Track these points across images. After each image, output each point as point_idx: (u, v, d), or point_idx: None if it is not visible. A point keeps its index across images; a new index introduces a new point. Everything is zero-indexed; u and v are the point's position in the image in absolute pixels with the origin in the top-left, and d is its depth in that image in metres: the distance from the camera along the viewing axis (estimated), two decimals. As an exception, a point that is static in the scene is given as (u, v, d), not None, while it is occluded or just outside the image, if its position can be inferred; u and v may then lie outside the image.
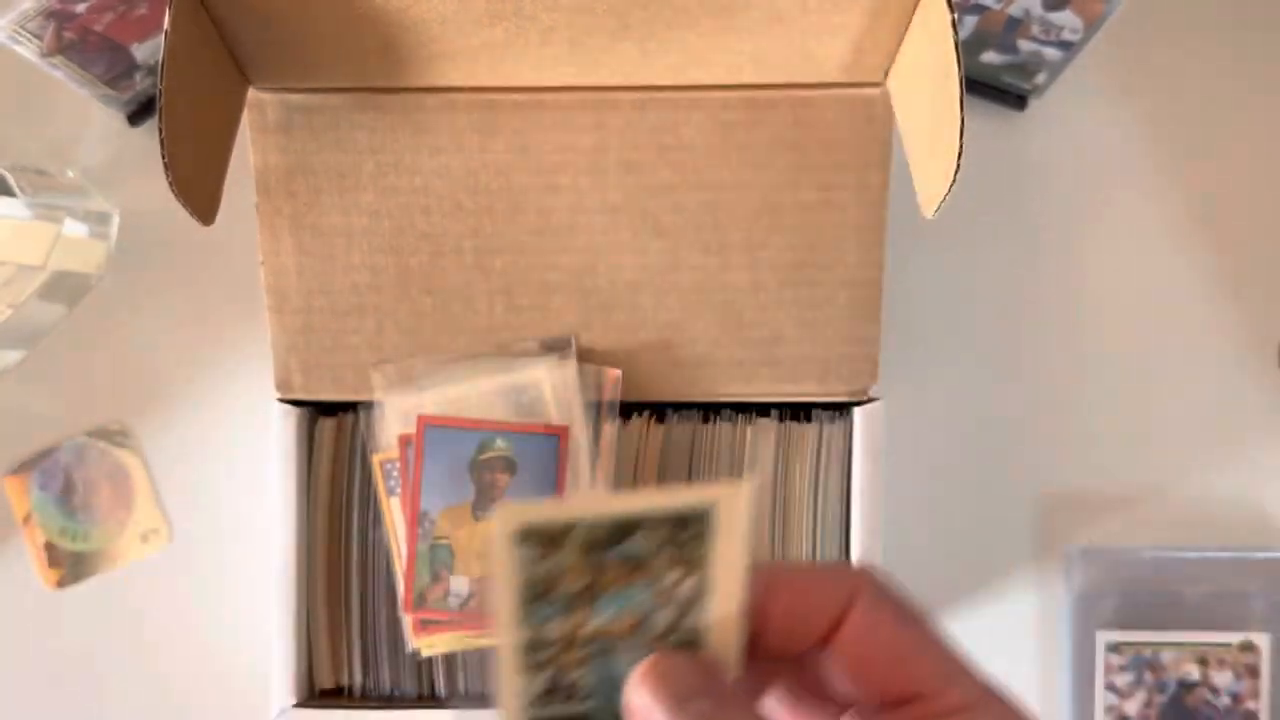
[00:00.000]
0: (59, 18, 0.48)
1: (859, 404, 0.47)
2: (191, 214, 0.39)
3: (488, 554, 0.27)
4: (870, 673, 0.26)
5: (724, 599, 0.27)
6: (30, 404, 0.57)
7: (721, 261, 0.47)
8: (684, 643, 0.27)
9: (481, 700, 0.48)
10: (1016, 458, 0.57)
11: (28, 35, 0.48)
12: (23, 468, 0.57)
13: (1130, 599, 0.56)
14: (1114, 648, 0.56)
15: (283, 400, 0.47)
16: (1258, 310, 0.58)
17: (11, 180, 0.52)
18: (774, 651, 0.27)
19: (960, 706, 0.25)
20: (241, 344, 0.56)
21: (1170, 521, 0.57)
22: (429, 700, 0.48)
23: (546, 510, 0.26)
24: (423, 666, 0.48)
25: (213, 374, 0.57)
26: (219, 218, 0.42)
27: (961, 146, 0.37)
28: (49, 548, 0.57)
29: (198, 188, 0.40)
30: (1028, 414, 0.57)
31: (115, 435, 0.57)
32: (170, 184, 0.37)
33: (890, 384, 0.48)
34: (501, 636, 0.26)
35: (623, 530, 0.26)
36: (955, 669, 0.26)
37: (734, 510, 0.26)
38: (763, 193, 0.47)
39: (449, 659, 0.48)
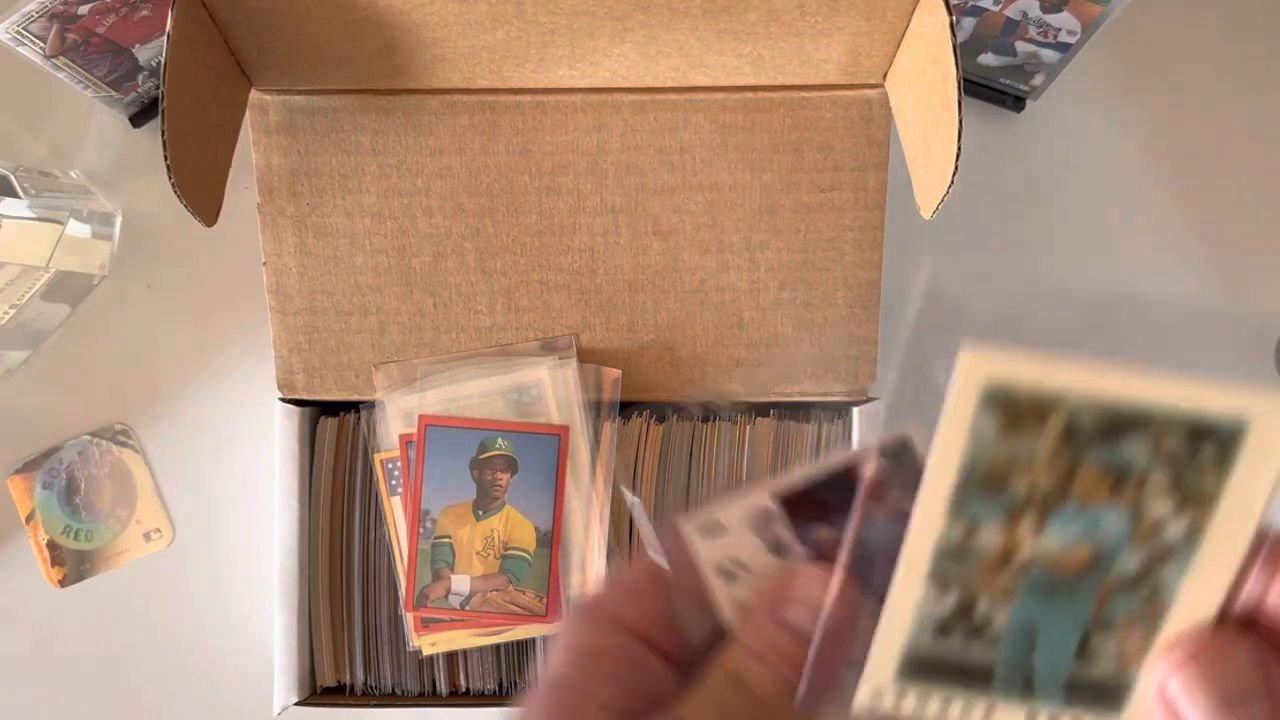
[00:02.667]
0: (62, 19, 0.48)
1: (858, 404, 0.48)
2: (194, 215, 0.39)
3: (947, 410, 0.20)
4: None
5: (1217, 558, 0.20)
6: (33, 404, 0.57)
7: (721, 262, 0.47)
8: (1147, 605, 0.21)
9: (485, 699, 0.48)
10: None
11: (31, 37, 0.48)
12: (26, 467, 0.57)
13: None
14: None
15: (285, 400, 0.47)
16: (1255, 311, 0.58)
17: (15, 181, 0.52)
18: None
19: None
20: (244, 344, 0.57)
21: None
22: (430, 698, 0.48)
23: (1034, 368, 0.19)
24: (424, 665, 0.48)
25: (215, 374, 0.57)
26: (221, 219, 0.42)
27: (959, 148, 0.38)
28: (52, 546, 0.57)
29: (200, 189, 0.40)
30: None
31: (118, 435, 0.57)
32: (172, 185, 0.37)
33: (889, 384, 0.49)
34: (920, 525, 0.21)
35: (1120, 425, 0.19)
36: None
37: (1273, 434, 0.19)
38: (762, 194, 0.47)
39: (450, 657, 0.48)
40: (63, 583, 0.57)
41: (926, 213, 0.41)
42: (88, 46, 0.51)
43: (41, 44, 0.49)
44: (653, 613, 0.25)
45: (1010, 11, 0.51)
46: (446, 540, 0.46)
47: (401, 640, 0.48)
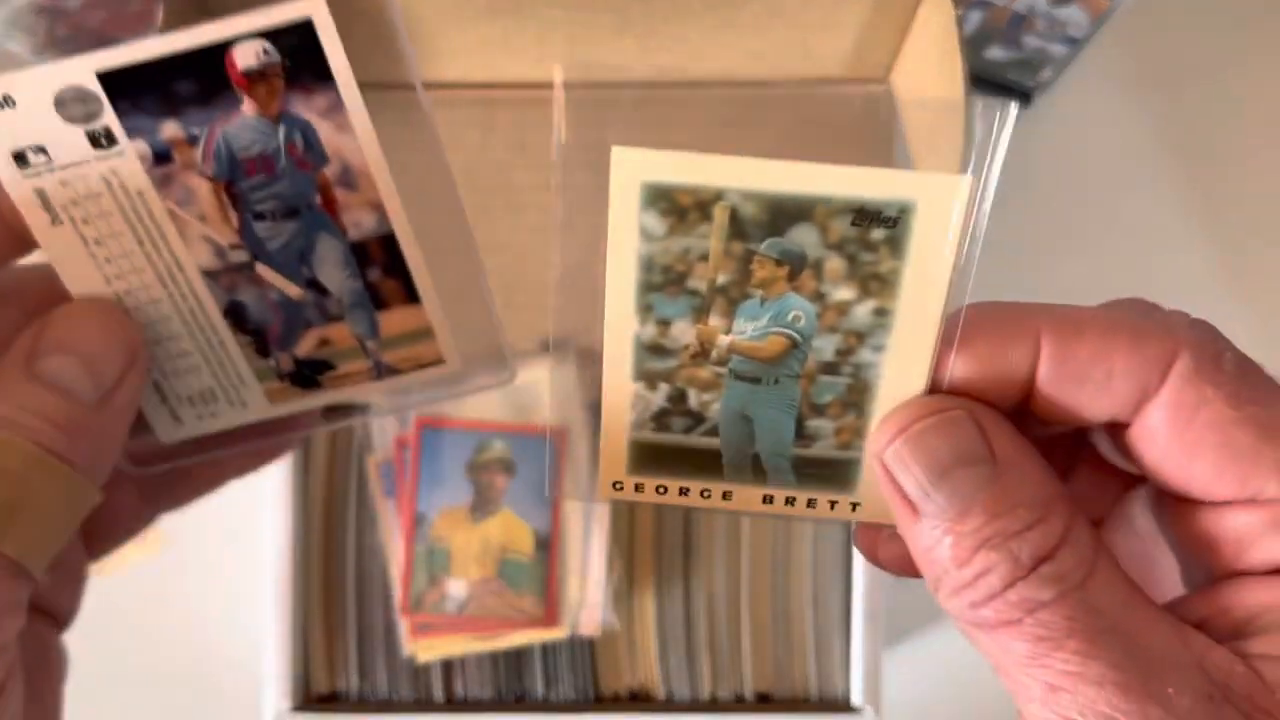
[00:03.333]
0: (51, 14, 0.48)
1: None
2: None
3: (612, 214, 0.20)
4: (1190, 465, 0.19)
5: (911, 338, 0.20)
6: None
7: (722, 260, 0.47)
8: (852, 387, 0.21)
9: (482, 706, 0.47)
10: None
11: (20, 31, 0.48)
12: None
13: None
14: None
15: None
16: (1265, 308, 0.57)
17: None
18: (1050, 422, 0.21)
19: None
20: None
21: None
22: (426, 705, 0.47)
23: (685, 164, 0.20)
24: (419, 671, 0.47)
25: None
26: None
27: (966, 143, 0.37)
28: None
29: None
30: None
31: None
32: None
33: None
34: (613, 328, 0.21)
35: (786, 214, 0.20)
36: None
37: (941, 216, 0.20)
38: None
39: (446, 664, 0.47)
40: (53, 586, 0.56)
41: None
42: (78, 41, 0.50)
43: (31, 39, 0.48)
44: None
45: (1018, 5, 0.50)
46: (443, 544, 0.45)
47: (396, 647, 0.47)
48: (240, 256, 0.25)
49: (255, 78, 0.22)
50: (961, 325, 0.20)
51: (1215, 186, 0.57)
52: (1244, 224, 0.57)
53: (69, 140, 0.23)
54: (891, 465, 0.20)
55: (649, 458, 0.22)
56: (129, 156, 0.23)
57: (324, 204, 0.24)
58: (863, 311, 0.20)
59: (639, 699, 0.48)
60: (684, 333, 0.21)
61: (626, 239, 0.20)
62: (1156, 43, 0.58)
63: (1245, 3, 0.58)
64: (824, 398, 0.21)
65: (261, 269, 0.25)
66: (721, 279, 0.20)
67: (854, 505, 0.22)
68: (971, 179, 0.20)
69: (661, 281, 0.20)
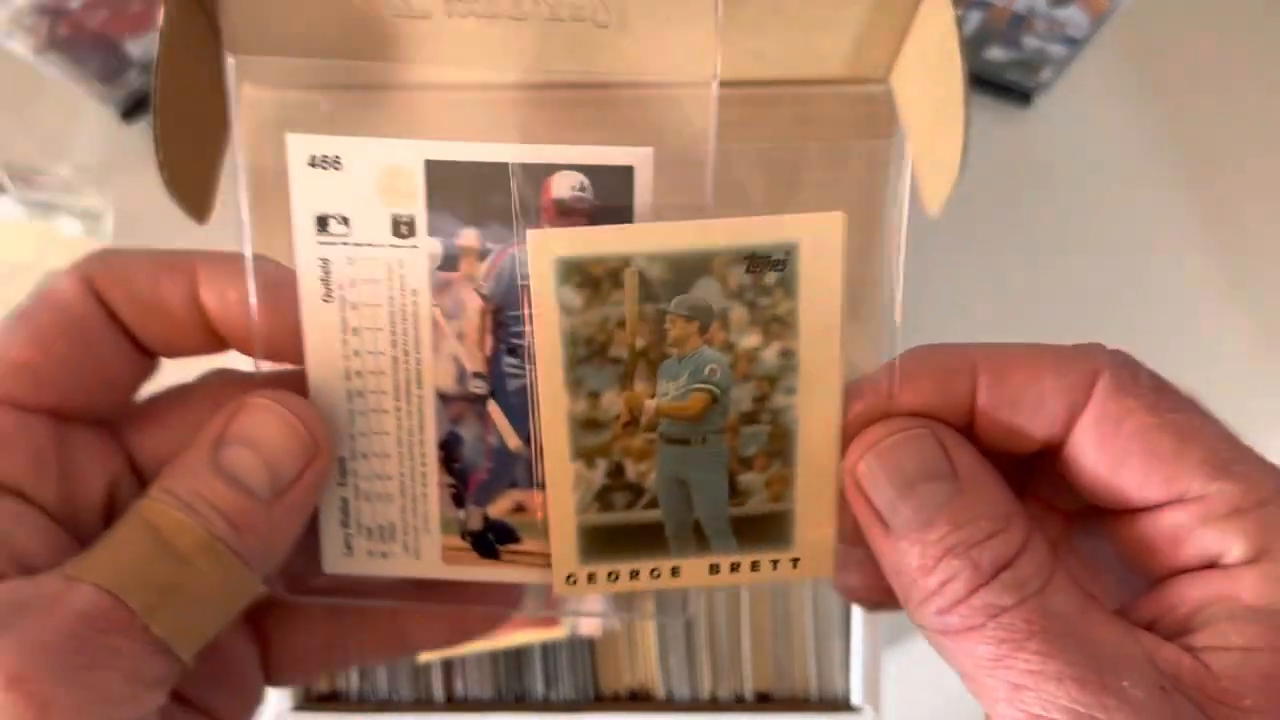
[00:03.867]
0: (52, 14, 0.48)
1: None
2: (186, 212, 0.39)
3: (534, 294, 0.21)
4: (1119, 474, 0.21)
5: (820, 377, 0.21)
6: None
7: (723, 260, 0.47)
8: (774, 435, 0.22)
9: (482, 706, 0.47)
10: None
11: (21, 31, 0.48)
12: (16, 468, 0.56)
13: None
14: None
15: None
16: (1266, 309, 0.57)
17: (4, 178, 0.51)
18: (992, 450, 0.22)
19: (1242, 505, 0.19)
20: (237, 343, 0.56)
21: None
22: (425, 705, 0.47)
23: (591, 238, 0.21)
24: (419, 670, 0.47)
25: (208, 374, 0.56)
26: (214, 216, 0.41)
27: (966, 144, 0.37)
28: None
29: (192, 185, 0.39)
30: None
31: (110, 436, 0.56)
32: (164, 181, 0.37)
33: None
34: (547, 408, 0.22)
35: (687, 271, 0.21)
36: (1235, 458, 0.20)
37: (824, 250, 0.21)
38: (764, 190, 0.46)
39: (446, 663, 0.47)
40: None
41: (932, 209, 0.40)
42: (78, 41, 0.50)
43: (31, 38, 0.48)
44: (31, 442, 0.21)
45: (1018, 6, 0.50)
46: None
47: (397, 645, 0.47)
48: (479, 388, 0.24)
49: (562, 209, 0.22)
50: (901, 364, 0.22)
51: (1215, 186, 0.57)
52: (1243, 224, 0.57)
53: (374, 219, 0.22)
54: (862, 479, 0.21)
55: (597, 542, 0.23)
56: (421, 252, 0.23)
57: (528, 316, 0.23)
58: (770, 356, 0.21)
59: (639, 699, 0.48)
60: (613, 403, 0.22)
61: (549, 317, 0.21)
62: (1156, 43, 0.57)
63: (1245, 3, 0.58)
64: (749, 449, 0.22)
65: (493, 408, 0.24)
66: (640, 343, 0.21)
67: (794, 561, 0.23)
68: (844, 215, 0.21)
69: (586, 354, 0.21)
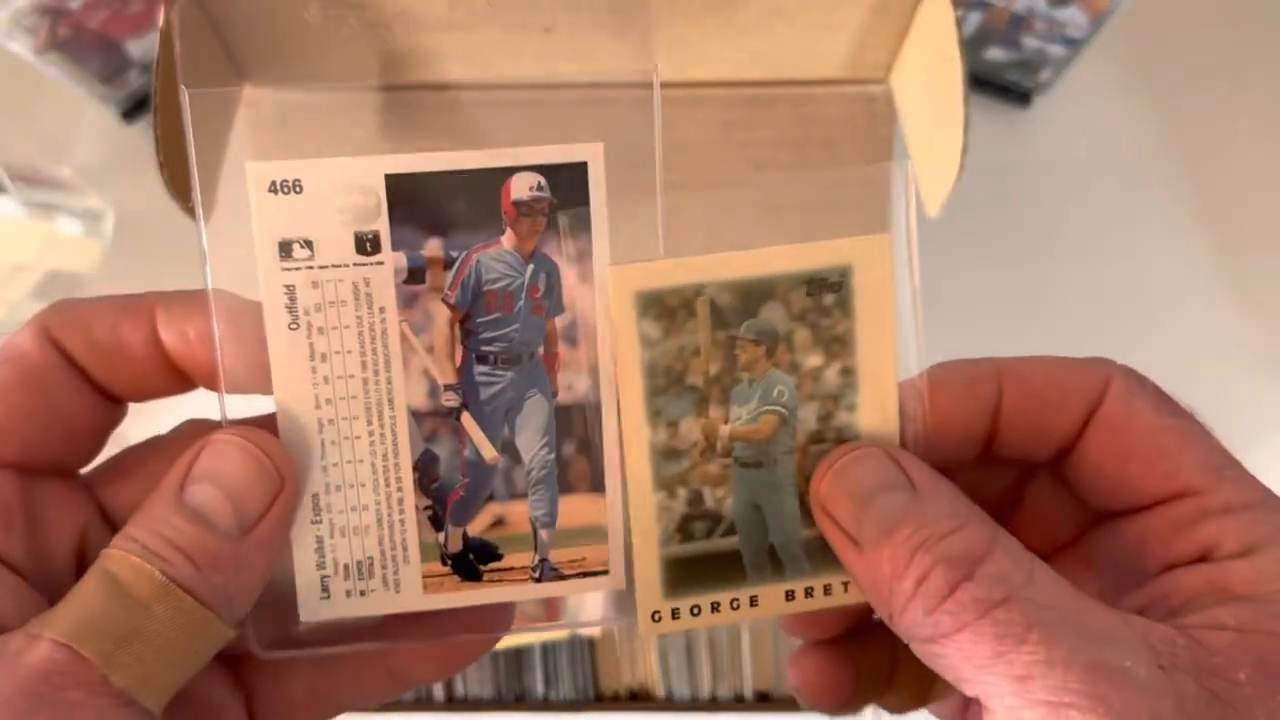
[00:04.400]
0: (53, 14, 0.48)
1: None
2: (186, 212, 0.39)
3: (615, 328, 0.22)
4: (1126, 470, 0.22)
5: (877, 393, 0.23)
6: (24, 404, 0.56)
7: (722, 260, 0.47)
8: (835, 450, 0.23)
9: (482, 705, 0.47)
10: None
11: (22, 31, 0.48)
12: (17, 468, 0.56)
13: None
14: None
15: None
16: (1265, 309, 0.57)
17: (5, 178, 0.51)
18: (1013, 455, 0.23)
19: (1233, 504, 0.21)
20: (238, 343, 0.56)
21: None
22: (426, 704, 0.48)
23: (666, 271, 0.22)
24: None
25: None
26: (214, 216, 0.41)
27: (965, 144, 0.37)
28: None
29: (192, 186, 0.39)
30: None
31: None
32: (164, 182, 0.37)
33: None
34: (631, 441, 0.22)
35: (754, 297, 0.22)
36: (1225, 463, 0.22)
37: (876, 270, 0.22)
38: (764, 191, 0.46)
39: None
40: (54, 585, 0.56)
41: (932, 209, 0.40)
42: (79, 41, 0.50)
43: (32, 39, 0.48)
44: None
45: (1017, 6, 0.50)
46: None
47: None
48: (452, 401, 0.24)
49: (523, 210, 0.23)
50: (931, 375, 0.23)
51: (1213, 187, 0.57)
52: (1242, 225, 0.57)
53: (337, 239, 0.22)
54: (826, 501, 0.22)
55: (680, 574, 0.23)
56: (386, 267, 0.23)
57: (545, 356, 0.24)
58: (831, 374, 0.23)
59: (639, 698, 0.48)
60: (691, 430, 0.22)
61: (631, 351, 0.22)
62: (1155, 44, 0.58)
63: (1244, 4, 0.58)
64: (818, 468, 0.23)
65: (467, 420, 0.24)
66: (713, 369, 0.22)
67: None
68: (890, 237, 0.23)
69: (665, 384, 0.22)
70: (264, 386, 0.23)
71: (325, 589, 0.23)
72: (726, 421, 0.23)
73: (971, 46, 0.53)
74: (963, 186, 0.38)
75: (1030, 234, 0.57)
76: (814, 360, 0.23)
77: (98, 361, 0.23)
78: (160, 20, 0.36)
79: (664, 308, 0.22)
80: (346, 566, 0.24)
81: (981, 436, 0.23)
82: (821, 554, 0.23)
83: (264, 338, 0.23)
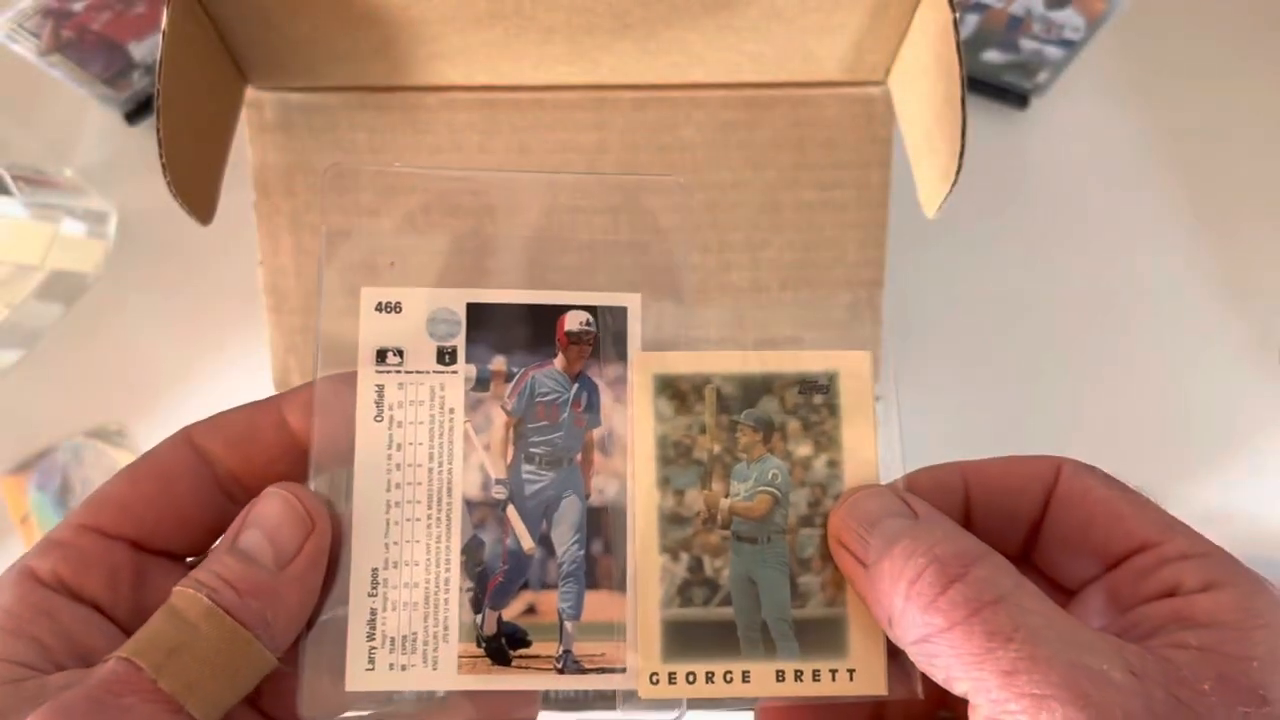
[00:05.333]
0: (56, 16, 0.48)
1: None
2: (189, 213, 0.39)
3: (633, 405, 0.27)
4: (1089, 537, 0.25)
5: (857, 481, 0.26)
6: (27, 404, 0.57)
7: (722, 261, 0.47)
8: (823, 539, 0.26)
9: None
10: (1017, 458, 0.57)
11: (25, 33, 0.48)
12: (20, 468, 0.56)
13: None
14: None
15: (281, 400, 0.47)
16: (1261, 309, 0.57)
17: (8, 179, 0.52)
18: (986, 537, 0.26)
19: (1189, 552, 0.24)
20: (240, 344, 0.56)
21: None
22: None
23: (681, 361, 0.26)
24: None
25: (211, 374, 0.57)
26: (217, 217, 0.41)
27: (963, 146, 0.37)
28: (47, 548, 0.57)
29: (195, 187, 0.39)
30: (1029, 414, 0.57)
31: (113, 435, 0.56)
32: (168, 183, 0.37)
33: (891, 384, 0.48)
34: (641, 503, 0.25)
35: (754, 390, 0.26)
36: (1175, 523, 0.25)
37: (857, 380, 0.26)
38: (763, 192, 0.47)
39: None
40: (58, 584, 0.57)
41: (930, 211, 0.40)
42: (82, 43, 0.50)
43: (36, 40, 0.49)
44: (95, 553, 0.25)
45: (1014, 8, 0.50)
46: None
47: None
48: (500, 494, 0.28)
49: (573, 339, 0.28)
50: (907, 479, 0.26)
51: (1210, 188, 0.58)
52: (1238, 226, 0.58)
53: (423, 351, 0.27)
54: (839, 532, 0.25)
55: (678, 639, 0.25)
56: (459, 376, 0.27)
57: (582, 462, 0.28)
58: (820, 465, 0.26)
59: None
60: (695, 500, 0.26)
61: (646, 423, 0.26)
62: (1153, 45, 0.58)
63: (1242, 6, 0.58)
64: (806, 551, 0.26)
65: (511, 512, 0.27)
66: (716, 448, 0.26)
67: (850, 673, 0.25)
68: (870, 354, 0.27)
69: (674, 455, 0.26)
70: (350, 462, 0.27)
71: (371, 660, 0.26)
72: (727, 496, 0.26)
73: (969, 48, 0.54)
74: (960, 188, 0.38)
75: (1028, 235, 0.57)
76: (804, 450, 0.26)
77: (234, 453, 0.27)
78: (163, 22, 0.36)
79: (676, 390, 0.26)
80: (393, 640, 0.26)
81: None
82: (810, 637, 0.25)
83: (353, 422, 0.27)
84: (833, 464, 0.26)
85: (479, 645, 0.27)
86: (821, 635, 0.25)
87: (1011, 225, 0.58)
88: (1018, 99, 0.57)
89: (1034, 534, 0.26)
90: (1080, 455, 0.58)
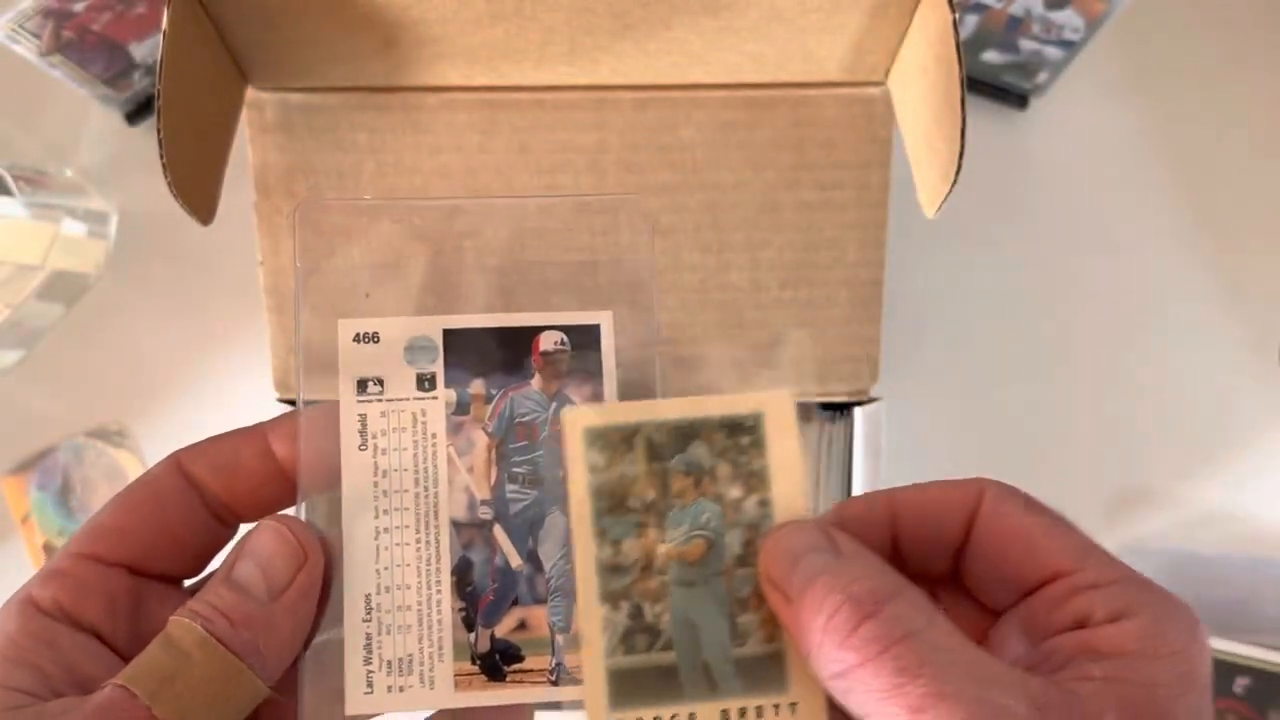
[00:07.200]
0: (57, 17, 0.48)
1: (859, 404, 0.47)
2: (190, 214, 0.39)
3: (566, 459, 0.27)
4: (1006, 564, 0.25)
5: (788, 518, 0.26)
6: (28, 404, 0.57)
7: (721, 261, 0.47)
8: (755, 576, 0.26)
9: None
10: (1016, 458, 0.57)
11: (26, 34, 0.48)
12: (21, 468, 0.57)
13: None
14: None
15: (281, 400, 0.47)
16: (1259, 309, 0.57)
17: (9, 180, 0.52)
18: (912, 573, 0.26)
19: (1099, 581, 0.24)
20: (240, 344, 0.56)
21: (1171, 523, 0.57)
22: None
23: (611, 411, 0.26)
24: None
25: (211, 374, 0.57)
26: (218, 218, 0.41)
27: (963, 146, 0.37)
28: (47, 548, 0.57)
29: (196, 187, 0.40)
30: (1027, 414, 0.57)
31: (113, 435, 0.57)
32: (168, 183, 0.37)
33: (890, 384, 0.48)
34: (579, 555, 0.26)
35: (683, 436, 0.26)
36: (1090, 549, 0.25)
37: (781, 418, 0.26)
38: (763, 192, 0.47)
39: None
40: (58, 584, 0.57)
41: (929, 211, 0.40)
42: (83, 44, 0.50)
43: (37, 41, 0.49)
44: (94, 580, 0.26)
45: (1014, 9, 0.50)
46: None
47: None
48: (486, 514, 0.28)
49: (549, 359, 0.29)
50: (836, 512, 0.27)
51: (1210, 189, 0.58)
52: (1237, 226, 0.58)
53: (403, 378, 0.28)
54: (766, 567, 0.25)
55: (624, 686, 0.26)
56: (440, 402, 0.28)
57: (564, 478, 0.28)
58: (750, 505, 0.26)
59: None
60: (632, 549, 0.26)
61: (579, 477, 0.26)
62: (1152, 46, 0.58)
63: (1240, 6, 0.58)
64: (743, 590, 0.26)
65: (498, 532, 0.28)
66: (650, 495, 0.26)
67: (793, 706, 0.26)
68: (792, 393, 0.27)
69: (609, 505, 0.26)
70: (337, 488, 0.28)
71: (369, 684, 0.27)
72: (663, 542, 0.26)
73: (969, 49, 0.54)
74: (960, 188, 0.38)
75: (1027, 235, 0.58)
76: (735, 491, 0.26)
77: (219, 480, 0.27)
78: (164, 23, 0.36)
79: (608, 441, 0.26)
80: (389, 663, 0.27)
81: (886, 559, 0.26)
82: (751, 674, 0.26)
83: (338, 451, 0.28)
84: (763, 503, 0.26)
85: (474, 663, 0.27)
86: (762, 672, 0.26)
87: (1011, 225, 0.58)
88: (1017, 99, 0.57)
89: (959, 559, 0.27)
90: (1081, 455, 0.59)
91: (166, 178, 0.37)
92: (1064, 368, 0.57)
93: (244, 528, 0.28)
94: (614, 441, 0.26)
